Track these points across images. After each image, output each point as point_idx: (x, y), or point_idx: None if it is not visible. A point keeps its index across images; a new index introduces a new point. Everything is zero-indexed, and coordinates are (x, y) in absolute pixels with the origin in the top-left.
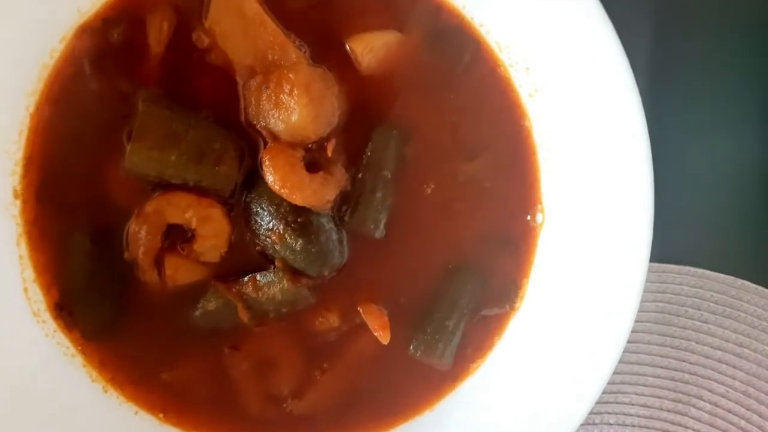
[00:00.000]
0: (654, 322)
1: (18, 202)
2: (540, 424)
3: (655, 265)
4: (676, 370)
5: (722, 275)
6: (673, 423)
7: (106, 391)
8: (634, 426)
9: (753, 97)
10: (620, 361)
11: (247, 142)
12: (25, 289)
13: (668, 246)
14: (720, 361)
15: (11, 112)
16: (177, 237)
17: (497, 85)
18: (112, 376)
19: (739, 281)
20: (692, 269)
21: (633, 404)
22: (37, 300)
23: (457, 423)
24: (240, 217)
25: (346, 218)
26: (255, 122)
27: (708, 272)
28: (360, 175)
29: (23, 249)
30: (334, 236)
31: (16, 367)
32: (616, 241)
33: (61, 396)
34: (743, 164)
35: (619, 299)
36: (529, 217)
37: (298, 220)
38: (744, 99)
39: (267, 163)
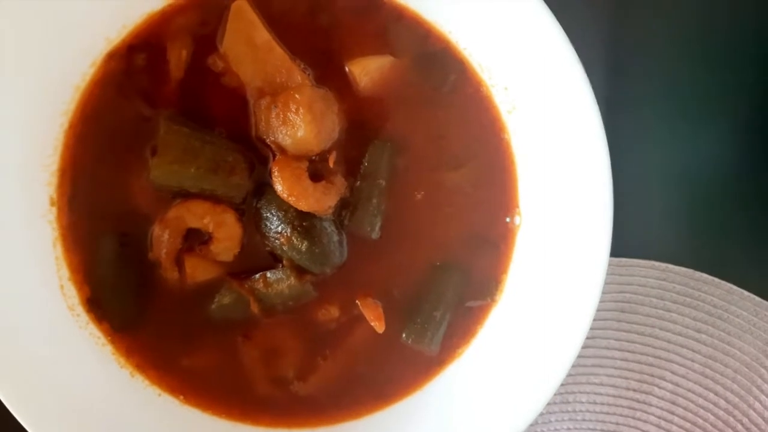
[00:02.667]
0: (621, 311)
1: (54, 209)
2: (517, 398)
3: (624, 260)
4: (641, 354)
5: (683, 268)
6: (638, 401)
7: (132, 376)
8: (603, 404)
9: (708, 95)
10: (591, 346)
11: (257, 155)
12: (61, 287)
13: (634, 242)
14: (681, 346)
15: (47, 129)
16: (195, 239)
17: (480, 102)
18: (138, 362)
19: (698, 274)
20: (656, 263)
21: (603, 384)
22: (72, 296)
23: (445, 402)
24: (251, 221)
25: (346, 222)
26: (264, 137)
27: (671, 266)
28: (358, 184)
29: (59, 251)
30: (335, 238)
31: (55, 355)
32: (581, 239)
33: (94, 381)
34: (702, 165)
35: (583, 291)
36: (508, 219)
37: (303, 224)
38: (700, 98)
39: (276, 173)
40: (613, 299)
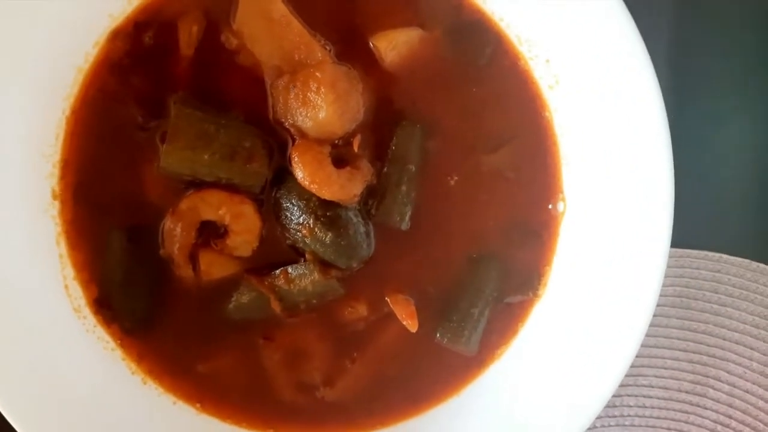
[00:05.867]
0: (672, 306)
1: (56, 203)
2: (563, 408)
3: (674, 249)
4: (694, 352)
5: (739, 259)
6: (691, 404)
7: (145, 383)
8: (653, 408)
9: None
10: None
11: (276, 140)
12: (66, 287)
13: (686, 231)
14: (737, 343)
15: (48, 116)
16: (210, 233)
17: (518, 77)
18: (150, 368)
19: (755, 264)
20: (710, 254)
21: (652, 386)
22: (77, 297)
23: (483, 407)
24: (270, 212)
25: (373, 211)
26: (283, 120)
27: (725, 256)
28: (385, 169)
29: (63, 248)
30: (362, 229)
31: (60, 362)
32: (637, 228)
33: (102, 389)
34: (760, 150)
35: (640, 286)
36: (550, 206)
37: (327, 214)
38: (764, 84)
39: (296, 159)
40: (664, 293)
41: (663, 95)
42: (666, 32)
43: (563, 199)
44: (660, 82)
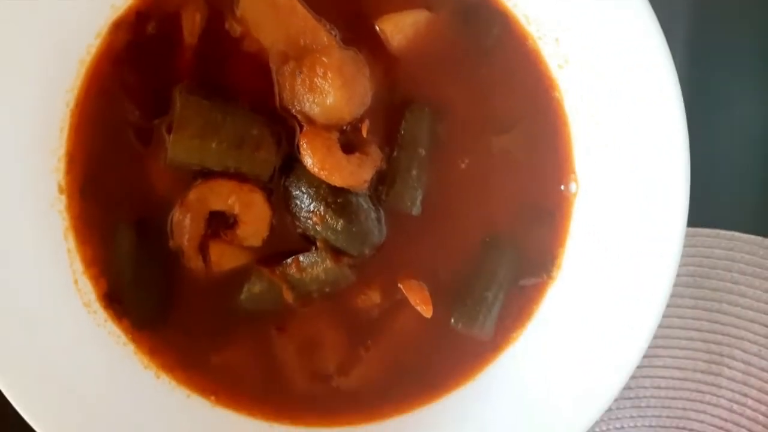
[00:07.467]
0: (685, 286)
1: (63, 198)
2: (581, 391)
3: (686, 228)
4: (708, 331)
5: (752, 236)
6: (706, 383)
7: (158, 377)
8: (669, 388)
9: None
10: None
11: (283, 127)
12: (75, 281)
13: (698, 209)
14: (752, 321)
15: (52, 109)
16: (220, 223)
17: (526, 57)
18: (163, 361)
19: None
20: (722, 232)
21: (667, 367)
22: (87, 291)
23: (499, 392)
24: (280, 200)
25: (383, 197)
26: (290, 107)
27: (738, 234)
28: (395, 154)
29: (71, 242)
30: (373, 215)
31: (71, 357)
32: (652, 208)
33: (115, 383)
34: None
35: (656, 266)
36: (563, 187)
37: (338, 200)
38: None
39: (305, 146)
40: (676, 273)
41: (677, 71)
42: (681, 6)
43: (575, 180)
44: (674, 57)
